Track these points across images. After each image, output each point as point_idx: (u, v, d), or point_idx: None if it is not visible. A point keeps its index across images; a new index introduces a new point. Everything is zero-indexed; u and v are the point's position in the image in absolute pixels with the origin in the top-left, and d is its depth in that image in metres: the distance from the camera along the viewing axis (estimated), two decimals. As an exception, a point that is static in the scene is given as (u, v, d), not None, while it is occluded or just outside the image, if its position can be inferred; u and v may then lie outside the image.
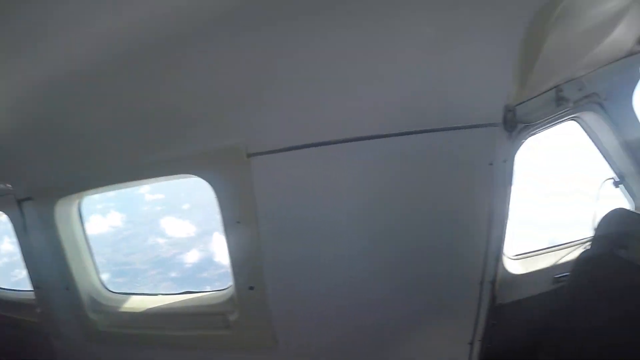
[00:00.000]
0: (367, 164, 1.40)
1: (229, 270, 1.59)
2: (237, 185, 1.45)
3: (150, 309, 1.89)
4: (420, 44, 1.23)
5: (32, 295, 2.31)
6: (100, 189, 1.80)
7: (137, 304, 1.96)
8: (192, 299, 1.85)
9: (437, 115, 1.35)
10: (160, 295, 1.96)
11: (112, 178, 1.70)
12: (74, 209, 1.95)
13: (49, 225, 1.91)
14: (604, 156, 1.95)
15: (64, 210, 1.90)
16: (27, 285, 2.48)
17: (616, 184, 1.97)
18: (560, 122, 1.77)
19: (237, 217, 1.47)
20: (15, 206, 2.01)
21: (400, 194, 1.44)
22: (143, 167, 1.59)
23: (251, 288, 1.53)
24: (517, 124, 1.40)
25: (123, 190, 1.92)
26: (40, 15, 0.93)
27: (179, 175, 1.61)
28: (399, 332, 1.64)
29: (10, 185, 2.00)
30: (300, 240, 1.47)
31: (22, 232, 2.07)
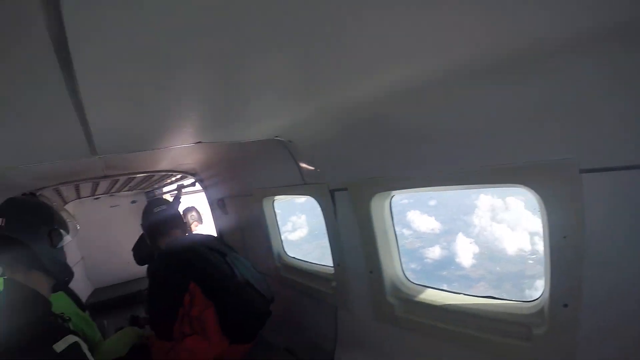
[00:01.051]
0: None
1: (545, 283, 1.48)
2: (567, 200, 1.31)
3: (449, 304, 1.91)
4: None
5: (330, 270, 2.64)
6: (419, 189, 1.84)
7: (435, 297, 2.01)
8: (495, 304, 1.78)
9: None
10: (462, 295, 1.94)
11: (433, 180, 1.72)
12: (387, 203, 2.09)
13: (362, 215, 2.09)
14: None
15: (378, 203, 2.04)
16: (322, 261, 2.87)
17: None
18: None
19: (564, 232, 1.34)
20: (328, 195, 2.27)
21: None
22: (470, 173, 1.55)
23: (565, 305, 1.39)
24: None
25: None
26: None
27: (504, 185, 1.52)
28: None
29: (323, 176, 2.27)
30: (627, 263, 1.25)
31: (331, 217, 2.32)
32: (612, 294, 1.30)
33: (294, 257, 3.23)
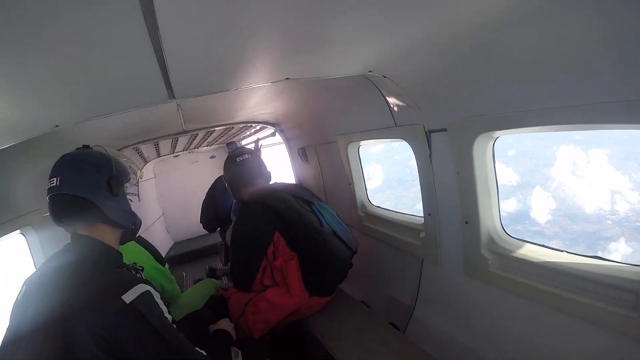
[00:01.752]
0: None
1: None
2: None
3: (549, 262, 1.69)
4: None
5: (417, 220, 2.49)
6: (529, 128, 1.60)
7: (535, 253, 1.79)
8: (600, 265, 1.53)
9: None
10: (565, 253, 1.70)
11: (542, 119, 1.47)
12: (491, 145, 1.85)
13: (462, 158, 1.89)
14: None
15: (482, 145, 1.82)
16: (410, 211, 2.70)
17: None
18: None
19: None
20: (423, 136, 2.07)
21: None
22: (595, 109, 1.28)
23: None
24: None
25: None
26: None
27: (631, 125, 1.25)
28: None
29: (419, 116, 2.07)
30: None
31: (425, 161, 2.14)
32: None
33: (378, 207, 3.10)
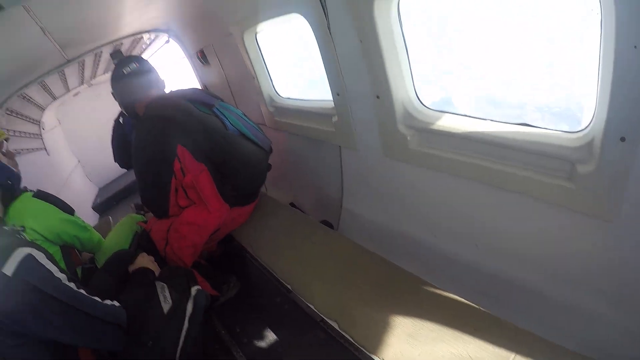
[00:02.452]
0: None
1: (598, 109, 1.17)
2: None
3: (474, 133, 1.58)
4: None
5: (328, 104, 2.29)
6: None
7: (456, 125, 1.66)
8: (530, 133, 1.44)
9: None
10: (490, 121, 1.58)
11: None
12: (394, 6, 1.60)
13: (363, 23, 1.65)
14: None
15: (384, 8, 1.58)
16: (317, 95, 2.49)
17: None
18: None
19: (636, 40, 0.99)
20: (318, 4, 1.78)
21: None
22: None
23: (623, 139, 1.11)
24: None
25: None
26: None
27: None
28: None
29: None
30: None
31: (324, 32, 1.88)
32: None
33: (287, 98, 2.85)
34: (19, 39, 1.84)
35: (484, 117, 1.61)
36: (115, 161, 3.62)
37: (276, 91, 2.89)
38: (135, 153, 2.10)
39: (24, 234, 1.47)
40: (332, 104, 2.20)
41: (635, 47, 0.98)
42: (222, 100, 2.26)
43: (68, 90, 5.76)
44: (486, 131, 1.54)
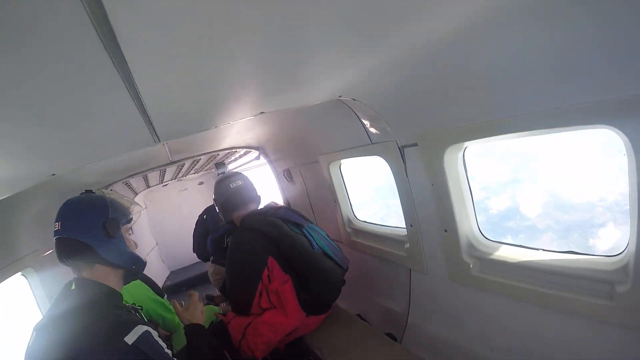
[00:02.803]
0: None
1: (631, 234, 1.32)
2: None
3: (526, 261, 1.80)
4: None
5: (401, 232, 2.59)
6: (491, 138, 1.71)
7: (512, 254, 1.90)
8: (575, 260, 1.63)
9: None
10: (541, 251, 1.81)
11: (508, 127, 1.58)
12: (460, 155, 1.97)
13: (435, 170, 2.01)
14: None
15: (452, 156, 1.95)
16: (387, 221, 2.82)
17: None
18: None
19: None
20: (397, 152, 2.20)
21: None
22: (547, 115, 1.40)
23: None
24: None
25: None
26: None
27: (585, 126, 1.36)
28: None
29: (391, 133, 2.20)
30: None
31: (402, 175, 2.26)
32: None
33: (364, 221, 3.21)
34: (145, 150, 2.30)
35: (536, 247, 1.83)
36: (193, 251, 4.06)
37: (354, 214, 3.27)
38: (231, 256, 2.47)
39: (141, 313, 1.75)
40: (405, 232, 2.50)
41: None
42: (310, 222, 2.64)
43: (162, 182, 6.61)
44: (536, 259, 1.75)
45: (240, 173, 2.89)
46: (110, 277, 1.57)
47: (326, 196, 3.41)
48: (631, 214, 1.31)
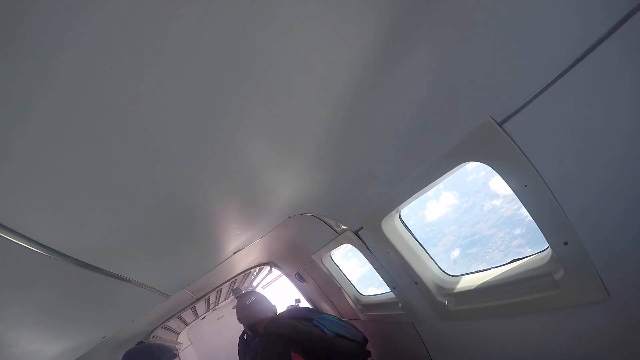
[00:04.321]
0: None
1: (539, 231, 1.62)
2: (506, 153, 1.49)
3: (485, 282, 2.14)
4: None
5: (392, 295, 3.02)
6: (410, 200, 2.17)
7: (473, 281, 2.27)
8: (518, 265, 1.98)
9: None
10: (492, 269, 2.18)
11: (410, 190, 2.06)
12: (397, 222, 2.46)
13: (383, 241, 2.49)
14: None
15: (391, 226, 2.44)
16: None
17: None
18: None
19: (522, 182, 1.51)
20: (355, 236, 2.74)
21: None
22: (428, 172, 1.87)
23: (565, 243, 1.52)
24: None
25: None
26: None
27: (460, 165, 1.77)
28: None
29: (344, 226, 2.76)
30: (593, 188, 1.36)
31: (367, 252, 2.77)
32: (605, 225, 1.39)
33: (367, 295, 3.65)
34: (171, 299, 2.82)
35: (488, 267, 2.21)
36: None
37: (359, 292, 3.74)
38: (261, 358, 2.90)
39: None
40: (392, 294, 2.94)
41: (525, 186, 1.48)
42: (320, 313, 3.11)
43: (197, 317, 7.12)
44: (491, 277, 2.10)
45: (253, 291, 3.45)
46: None
47: (335, 285, 3.88)
48: (532, 217, 1.61)
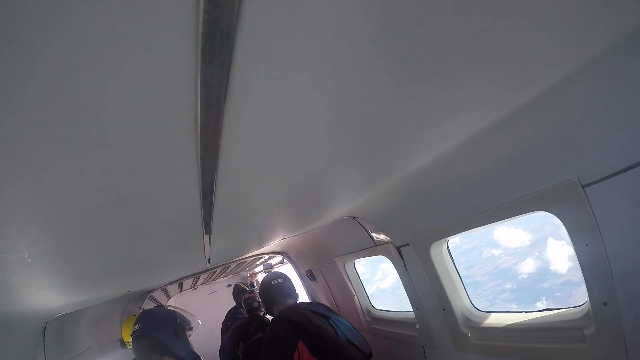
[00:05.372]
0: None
1: (585, 287, 1.73)
2: (578, 213, 1.61)
3: (513, 323, 2.24)
4: None
5: (411, 315, 3.10)
6: (464, 232, 2.27)
7: (502, 320, 2.35)
8: (551, 314, 2.09)
9: None
10: (523, 313, 2.28)
11: (474, 223, 2.14)
12: (445, 248, 2.57)
13: (426, 262, 2.57)
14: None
15: (437, 250, 2.53)
16: (405, 307, 3.32)
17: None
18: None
19: (584, 241, 1.62)
20: (395, 251, 2.82)
21: None
22: (499, 211, 1.96)
23: (605, 304, 1.63)
24: None
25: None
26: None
27: (528, 213, 1.87)
28: None
29: (389, 237, 2.84)
30: None
31: (402, 269, 2.85)
32: None
33: (381, 309, 3.73)
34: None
35: (519, 310, 2.30)
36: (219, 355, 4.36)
37: (372, 304, 3.81)
38: (268, 339, 2.97)
39: None
40: (413, 315, 3.01)
41: (586, 245, 1.58)
42: (337, 315, 3.16)
43: (194, 286, 7.30)
44: (520, 320, 2.20)
45: (283, 273, 3.48)
46: None
47: (346, 291, 3.96)
48: (583, 273, 1.73)
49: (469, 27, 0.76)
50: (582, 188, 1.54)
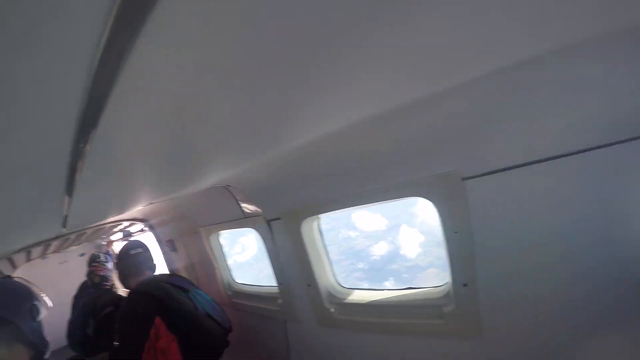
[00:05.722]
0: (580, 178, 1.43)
1: (448, 269, 1.86)
2: (453, 203, 1.71)
3: (376, 300, 2.29)
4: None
5: (273, 290, 3.03)
6: (337, 211, 2.25)
7: (365, 296, 2.40)
8: (412, 293, 2.20)
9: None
10: (385, 290, 2.35)
11: (348, 202, 2.14)
12: (315, 225, 2.51)
13: (296, 238, 2.50)
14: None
15: (308, 226, 2.47)
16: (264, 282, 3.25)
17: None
18: None
19: (454, 228, 1.74)
20: (265, 224, 2.68)
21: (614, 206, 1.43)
22: (379, 192, 1.97)
23: (465, 285, 1.78)
24: None
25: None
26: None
27: (404, 197, 1.94)
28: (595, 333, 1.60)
29: (260, 209, 2.68)
30: (508, 248, 1.63)
31: (270, 243, 2.73)
32: (501, 275, 1.67)
33: (242, 283, 3.59)
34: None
35: (382, 288, 2.36)
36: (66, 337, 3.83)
37: (233, 278, 3.65)
38: (124, 314, 2.64)
39: None
40: (276, 290, 2.94)
41: (455, 232, 1.70)
42: (196, 288, 2.93)
43: (44, 255, 6.30)
44: (383, 297, 2.26)
45: (142, 242, 3.13)
46: (24, 358, 1.65)
47: (208, 264, 3.73)
48: (446, 256, 1.86)
49: (376, 15, 0.68)
50: (463, 180, 1.63)
